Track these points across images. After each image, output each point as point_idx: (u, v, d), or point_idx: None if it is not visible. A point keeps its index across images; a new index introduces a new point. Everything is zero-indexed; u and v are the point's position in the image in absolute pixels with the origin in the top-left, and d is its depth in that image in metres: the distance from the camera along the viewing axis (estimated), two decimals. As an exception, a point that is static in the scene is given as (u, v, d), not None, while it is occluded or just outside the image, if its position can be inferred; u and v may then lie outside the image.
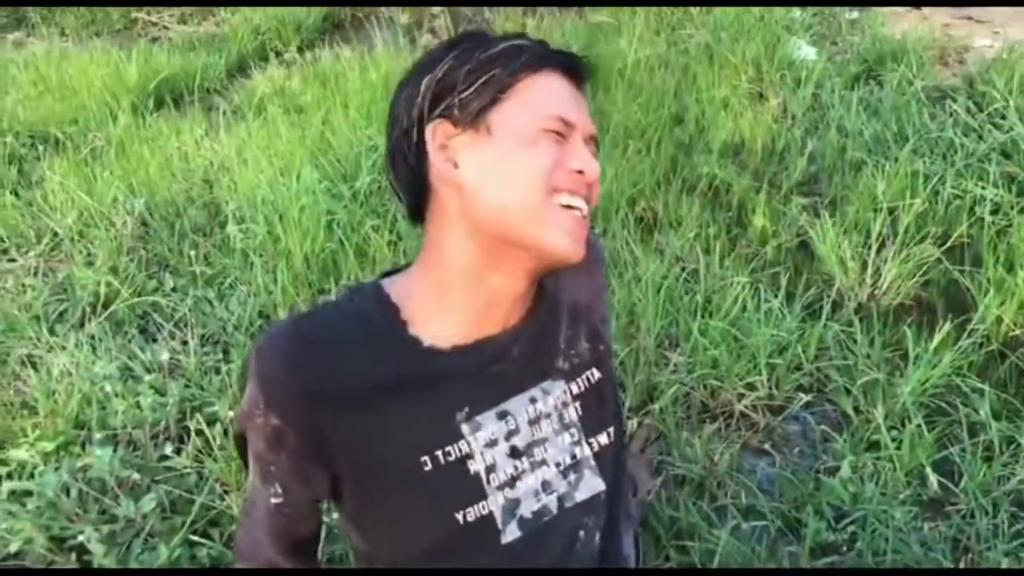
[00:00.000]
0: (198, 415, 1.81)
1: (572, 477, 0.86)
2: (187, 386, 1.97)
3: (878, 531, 1.58)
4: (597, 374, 0.90)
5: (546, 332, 0.88)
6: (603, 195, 2.51)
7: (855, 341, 2.06)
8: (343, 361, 0.78)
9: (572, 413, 0.87)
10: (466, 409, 0.81)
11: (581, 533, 0.87)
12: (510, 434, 0.83)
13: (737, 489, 1.72)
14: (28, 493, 1.64)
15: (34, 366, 2.06)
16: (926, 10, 4.30)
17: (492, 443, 0.82)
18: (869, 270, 2.29)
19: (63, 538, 1.60)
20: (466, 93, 0.76)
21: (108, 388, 1.90)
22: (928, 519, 1.64)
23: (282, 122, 3.29)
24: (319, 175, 2.77)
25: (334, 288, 2.33)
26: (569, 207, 0.77)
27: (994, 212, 2.48)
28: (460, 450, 0.80)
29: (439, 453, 0.79)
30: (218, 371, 2.03)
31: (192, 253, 2.53)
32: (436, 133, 0.77)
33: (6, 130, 3.47)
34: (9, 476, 1.72)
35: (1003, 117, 2.90)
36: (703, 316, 2.10)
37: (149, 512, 1.60)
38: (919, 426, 1.76)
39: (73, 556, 1.58)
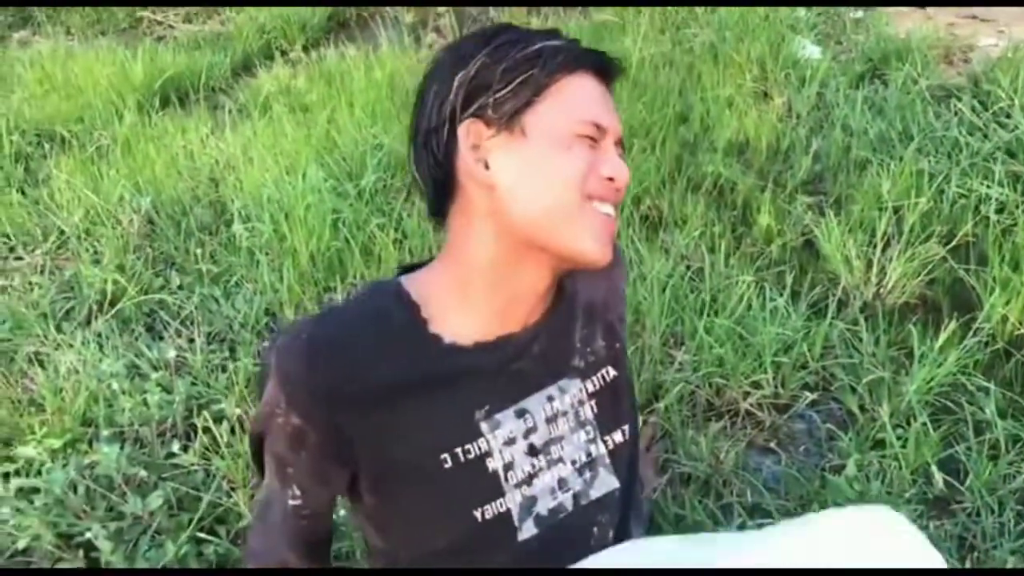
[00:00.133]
0: (205, 412, 1.81)
1: (587, 475, 0.86)
2: (194, 383, 1.97)
3: (884, 529, 1.58)
4: (612, 372, 0.91)
5: (563, 330, 0.88)
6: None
7: (860, 340, 2.06)
8: (364, 359, 0.77)
9: (588, 411, 0.88)
10: (486, 407, 0.81)
11: (595, 530, 0.87)
12: (528, 432, 0.83)
13: (743, 487, 1.72)
14: (36, 490, 1.64)
15: (41, 364, 2.07)
16: (931, 9, 4.29)
17: (510, 441, 0.82)
18: (874, 269, 2.28)
19: (70, 535, 1.60)
20: (501, 93, 0.75)
21: (115, 385, 1.90)
22: (933, 517, 1.64)
23: (287, 121, 3.29)
24: (324, 173, 2.77)
25: (340, 286, 2.33)
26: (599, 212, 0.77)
27: (999, 211, 2.47)
28: (479, 448, 0.80)
29: (459, 451, 0.79)
30: (224, 369, 2.04)
31: (198, 251, 2.54)
32: (469, 133, 0.76)
33: (12, 128, 3.47)
34: (17, 473, 1.73)
35: (1008, 116, 2.89)
36: (708, 315, 2.10)
37: (156, 509, 1.60)
38: (924, 424, 1.76)
39: (80, 553, 1.59)
